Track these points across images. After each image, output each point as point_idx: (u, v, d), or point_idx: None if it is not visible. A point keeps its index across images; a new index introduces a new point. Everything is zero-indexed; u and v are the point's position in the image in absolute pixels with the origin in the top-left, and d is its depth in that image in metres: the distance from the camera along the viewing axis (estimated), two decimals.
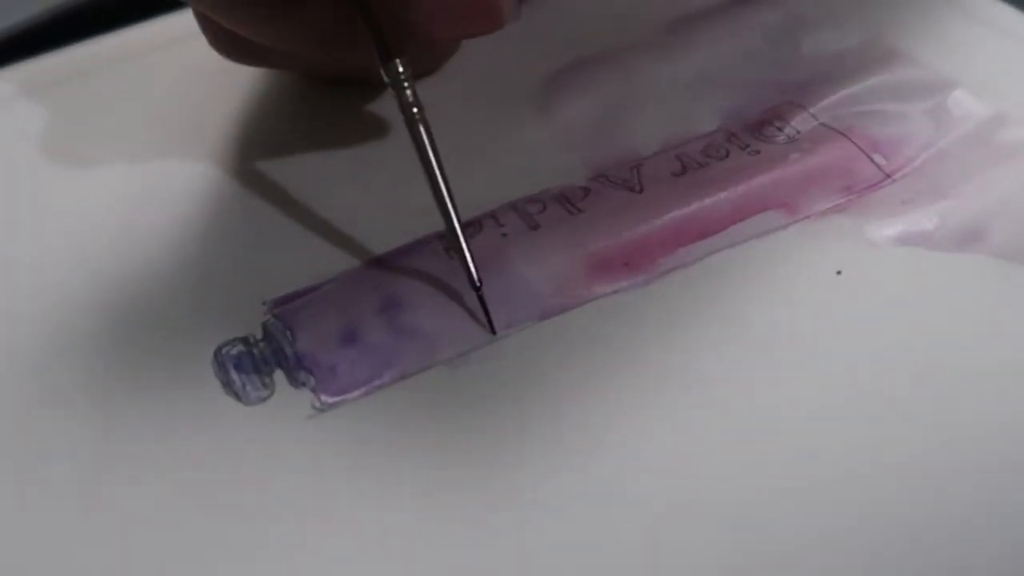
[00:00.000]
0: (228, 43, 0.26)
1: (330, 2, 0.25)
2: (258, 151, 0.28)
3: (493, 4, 0.23)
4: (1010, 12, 0.30)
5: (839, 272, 0.24)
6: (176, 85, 0.31)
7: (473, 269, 0.23)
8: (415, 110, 0.24)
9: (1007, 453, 0.21)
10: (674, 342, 0.23)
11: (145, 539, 0.20)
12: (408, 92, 0.24)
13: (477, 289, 0.23)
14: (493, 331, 0.23)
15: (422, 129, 0.24)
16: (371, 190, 0.26)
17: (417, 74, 0.25)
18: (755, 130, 0.27)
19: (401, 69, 0.24)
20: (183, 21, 0.33)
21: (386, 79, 0.24)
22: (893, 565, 0.19)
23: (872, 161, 0.26)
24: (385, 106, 0.25)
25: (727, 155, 0.26)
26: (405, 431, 0.22)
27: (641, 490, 0.21)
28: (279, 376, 0.23)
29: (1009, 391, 0.22)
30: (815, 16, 0.31)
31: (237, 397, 0.23)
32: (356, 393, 0.22)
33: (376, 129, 0.28)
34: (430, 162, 0.24)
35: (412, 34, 0.24)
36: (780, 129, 0.27)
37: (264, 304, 0.24)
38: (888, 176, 0.26)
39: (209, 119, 0.29)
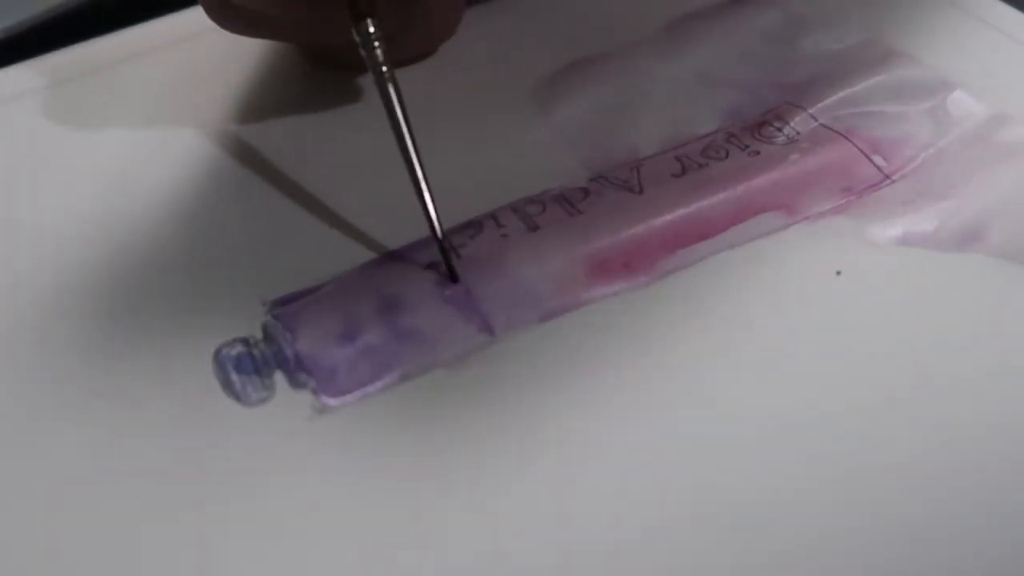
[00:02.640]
0: (221, 10, 0.27)
1: None
2: (258, 152, 0.28)
3: None
4: (1010, 12, 0.30)
5: (839, 273, 0.24)
6: (176, 85, 0.31)
7: (436, 222, 0.24)
8: (384, 69, 0.24)
9: (1007, 453, 0.21)
10: (674, 343, 0.23)
11: (143, 540, 0.20)
12: (378, 51, 0.24)
13: (439, 241, 0.24)
14: (455, 279, 0.24)
15: (391, 88, 0.24)
16: (371, 191, 0.26)
17: (413, 56, 0.25)
18: (755, 131, 0.27)
19: (372, 29, 0.24)
20: (183, 21, 0.33)
21: (356, 38, 0.24)
22: (893, 565, 0.19)
23: (872, 162, 0.26)
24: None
25: (727, 156, 0.26)
26: (405, 433, 0.22)
27: (641, 490, 0.21)
28: (279, 377, 0.23)
29: (1009, 391, 0.22)
30: (815, 16, 0.31)
31: (237, 398, 0.23)
32: (356, 394, 0.22)
33: (377, 130, 0.28)
34: (398, 120, 0.24)
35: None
36: (780, 130, 0.27)
37: (264, 305, 0.24)
38: (888, 177, 0.26)
39: (208, 120, 0.29)
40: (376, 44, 0.24)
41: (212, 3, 0.27)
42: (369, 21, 0.24)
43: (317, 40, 0.29)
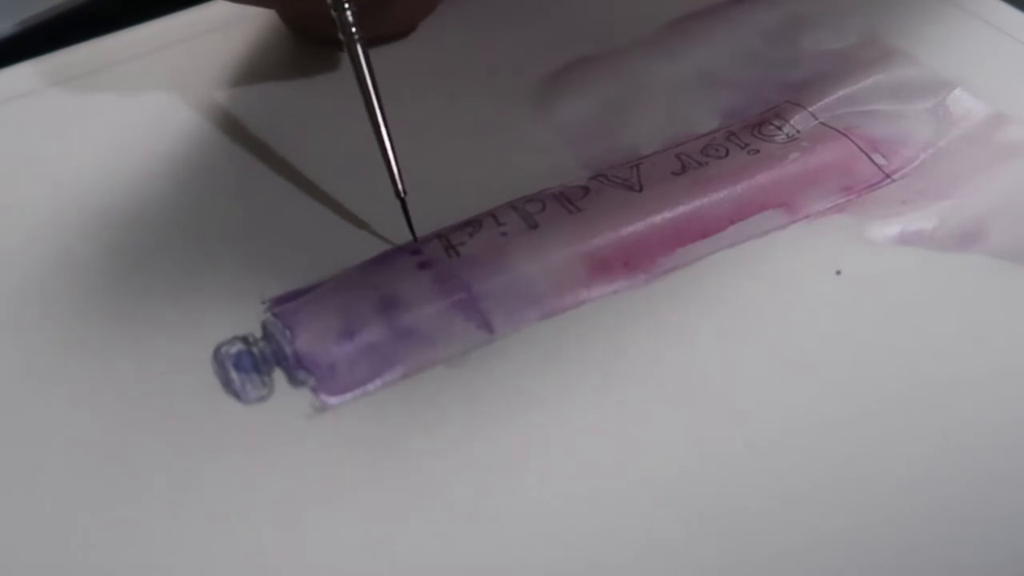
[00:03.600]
0: None
1: None
2: (259, 151, 0.28)
3: None
4: (1010, 12, 0.30)
5: (839, 272, 0.24)
6: (175, 85, 0.31)
7: (399, 179, 0.25)
8: (354, 30, 0.25)
9: (1006, 453, 0.21)
10: (673, 342, 0.23)
11: (142, 538, 0.20)
12: (348, 13, 0.25)
13: (401, 198, 0.25)
14: (415, 239, 0.25)
15: (360, 50, 0.25)
16: (371, 190, 0.26)
17: (393, 33, 0.26)
18: (755, 129, 0.27)
19: None
20: (183, 21, 0.33)
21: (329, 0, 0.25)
22: (893, 565, 0.19)
23: (872, 161, 0.26)
24: (393, 106, 0.26)
25: (727, 154, 0.26)
26: (404, 431, 0.22)
27: (641, 489, 0.21)
28: (278, 375, 0.23)
29: (1009, 391, 0.22)
30: (815, 16, 0.31)
31: (236, 396, 0.23)
32: (355, 392, 0.22)
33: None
34: (365, 82, 0.25)
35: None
36: (780, 128, 0.27)
37: (263, 303, 0.24)
38: (888, 176, 0.26)
39: (208, 120, 0.29)
40: (347, 5, 0.25)
41: None
42: None
43: (297, 5, 0.29)
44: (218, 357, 0.23)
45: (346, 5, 0.25)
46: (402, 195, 0.25)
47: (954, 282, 0.24)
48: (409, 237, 0.25)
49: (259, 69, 0.31)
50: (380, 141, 0.25)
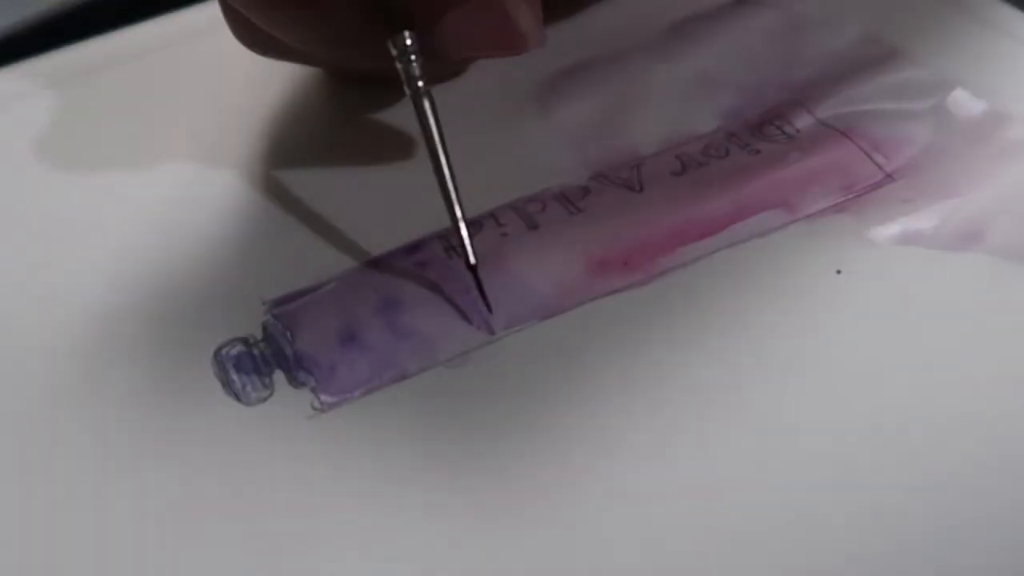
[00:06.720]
0: (250, 35, 0.26)
1: (350, 3, 0.24)
2: (258, 150, 0.28)
3: (517, 32, 0.24)
4: (1010, 12, 0.30)
5: (839, 271, 0.24)
6: (176, 85, 0.31)
7: (470, 249, 0.23)
8: (420, 84, 0.24)
9: (1007, 453, 0.21)
10: (673, 342, 0.23)
11: (143, 540, 0.20)
12: (414, 65, 0.24)
13: (473, 269, 0.23)
14: (490, 310, 0.23)
15: (427, 103, 0.24)
16: (372, 190, 0.26)
17: (441, 78, 0.25)
18: (755, 129, 0.27)
19: (409, 42, 0.24)
20: (186, 20, 0.33)
21: (392, 51, 0.24)
22: (893, 565, 0.19)
23: (872, 160, 0.26)
24: (391, 106, 0.25)
25: (727, 154, 0.26)
26: (405, 432, 0.22)
27: (641, 491, 0.21)
28: (279, 376, 0.23)
29: (1009, 391, 0.22)
30: (815, 16, 0.31)
31: (237, 397, 0.23)
32: (356, 394, 0.22)
33: (379, 129, 0.28)
34: (433, 138, 0.24)
35: (435, 55, 0.24)
36: (780, 128, 0.27)
37: (264, 304, 0.24)
38: (888, 175, 0.26)
39: (209, 119, 0.29)
40: (412, 57, 0.24)
41: (239, 26, 0.26)
42: (407, 34, 0.24)
43: (348, 65, 0.28)
44: (218, 358, 0.23)
45: (411, 57, 0.24)
46: (472, 263, 0.23)
47: (954, 282, 0.24)
48: (408, 239, 0.25)
49: (260, 67, 0.31)
50: (449, 205, 0.24)
